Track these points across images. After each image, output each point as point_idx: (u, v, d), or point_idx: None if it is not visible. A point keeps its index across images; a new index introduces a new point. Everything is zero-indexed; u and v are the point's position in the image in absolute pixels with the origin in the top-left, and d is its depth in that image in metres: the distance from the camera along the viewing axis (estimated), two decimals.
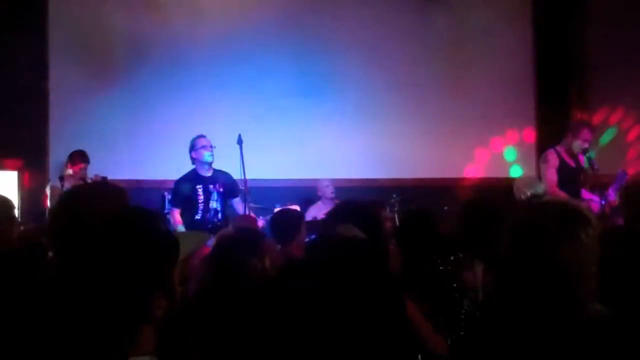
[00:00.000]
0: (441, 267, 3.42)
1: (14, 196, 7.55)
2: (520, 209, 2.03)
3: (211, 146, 6.63)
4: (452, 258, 3.44)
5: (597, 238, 1.94)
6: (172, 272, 1.78)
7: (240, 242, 2.61)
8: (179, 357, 1.90)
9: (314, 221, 6.64)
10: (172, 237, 1.89)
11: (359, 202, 3.43)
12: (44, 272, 2.39)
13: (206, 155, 6.60)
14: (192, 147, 6.65)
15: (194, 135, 6.74)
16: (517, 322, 1.90)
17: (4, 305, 2.29)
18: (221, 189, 6.63)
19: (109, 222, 1.87)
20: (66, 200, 2.21)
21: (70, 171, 7.10)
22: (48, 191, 7.31)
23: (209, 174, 6.65)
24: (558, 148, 6.79)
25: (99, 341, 1.72)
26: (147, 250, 1.76)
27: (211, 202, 6.58)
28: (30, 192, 7.67)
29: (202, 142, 6.64)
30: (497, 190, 7.17)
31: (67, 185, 6.56)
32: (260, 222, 6.29)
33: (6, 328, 2.18)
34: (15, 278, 2.48)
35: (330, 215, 3.24)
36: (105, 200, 2.12)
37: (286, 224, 4.85)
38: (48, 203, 7.23)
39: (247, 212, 6.47)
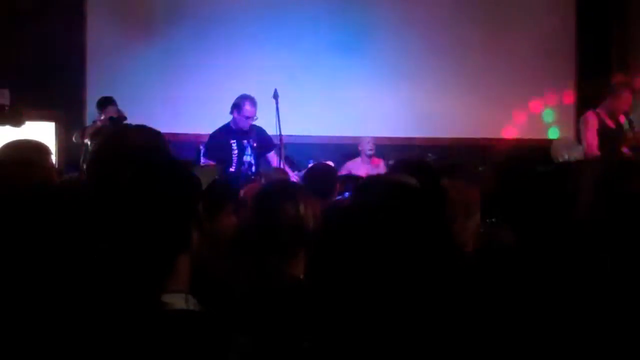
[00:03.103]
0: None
1: (51, 147, 7.63)
2: (602, 166, 1.97)
3: (254, 117, 6.56)
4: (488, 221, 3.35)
5: None
6: (199, 203, 1.80)
7: (272, 189, 2.61)
8: (214, 295, 1.92)
9: (350, 176, 6.63)
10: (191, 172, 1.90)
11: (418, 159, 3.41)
12: (83, 211, 2.41)
13: (245, 124, 6.56)
14: (239, 108, 6.52)
15: (246, 94, 6.58)
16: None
17: (42, 243, 2.33)
18: (255, 144, 6.61)
19: (144, 160, 1.88)
20: (108, 140, 2.23)
21: (101, 117, 7.08)
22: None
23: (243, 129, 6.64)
24: (598, 110, 6.66)
25: (136, 278, 1.74)
26: (181, 183, 1.77)
27: (245, 155, 6.58)
28: (67, 143, 7.75)
29: (250, 111, 6.49)
30: (534, 152, 7.10)
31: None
32: (294, 177, 6.28)
33: (41, 267, 2.21)
34: (54, 217, 2.51)
35: (391, 169, 3.25)
36: (145, 139, 2.14)
37: (320, 179, 4.80)
38: (73, 138, 7.29)
39: (282, 167, 6.48)
